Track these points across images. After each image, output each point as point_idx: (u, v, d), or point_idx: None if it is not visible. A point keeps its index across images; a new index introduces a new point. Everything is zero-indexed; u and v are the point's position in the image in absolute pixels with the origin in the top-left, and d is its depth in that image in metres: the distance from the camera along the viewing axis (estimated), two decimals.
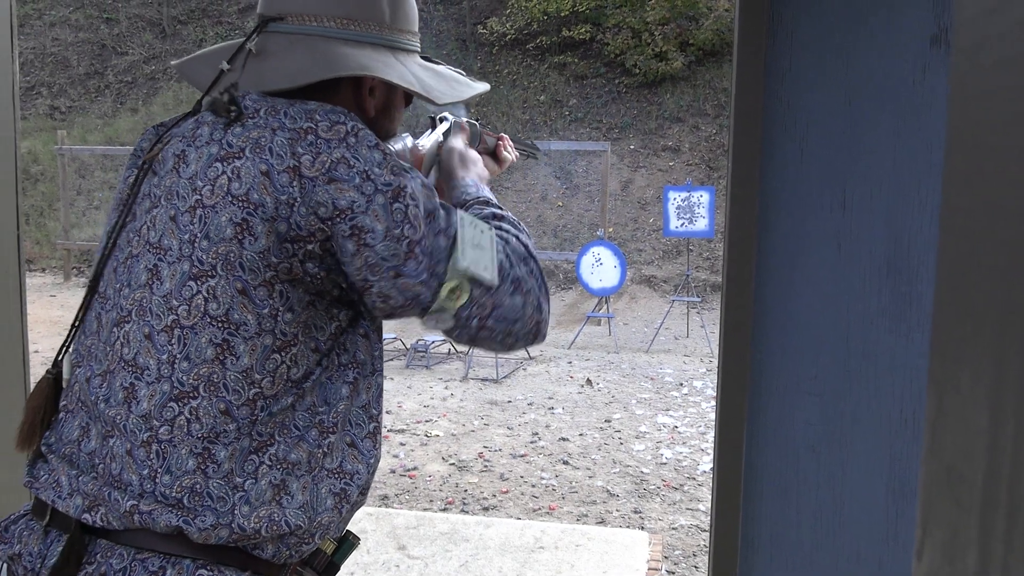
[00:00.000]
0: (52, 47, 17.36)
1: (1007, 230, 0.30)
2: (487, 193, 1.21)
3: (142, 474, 0.97)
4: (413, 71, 1.15)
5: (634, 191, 13.67)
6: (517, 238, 1.11)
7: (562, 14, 15.47)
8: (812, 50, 1.60)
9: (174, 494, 0.96)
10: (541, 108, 15.11)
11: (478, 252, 1.02)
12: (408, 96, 1.23)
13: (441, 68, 1.23)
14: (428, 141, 1.34)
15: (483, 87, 1.28)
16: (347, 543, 1.12)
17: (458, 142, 1.34)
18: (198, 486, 0.96)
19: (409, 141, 1.29)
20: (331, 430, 1.03)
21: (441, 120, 1.39)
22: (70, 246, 12.77)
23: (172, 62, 1.21)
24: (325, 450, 1.02)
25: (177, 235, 0.99)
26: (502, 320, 1.03)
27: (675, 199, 9.29)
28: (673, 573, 3.75)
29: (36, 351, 7.35)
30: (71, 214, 13.10)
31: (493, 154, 1.49)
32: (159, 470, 0.97)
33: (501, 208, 1.18)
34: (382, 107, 1.17)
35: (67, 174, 12.90)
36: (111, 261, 1.07)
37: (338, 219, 0.96)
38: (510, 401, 6.63)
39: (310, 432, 1.01)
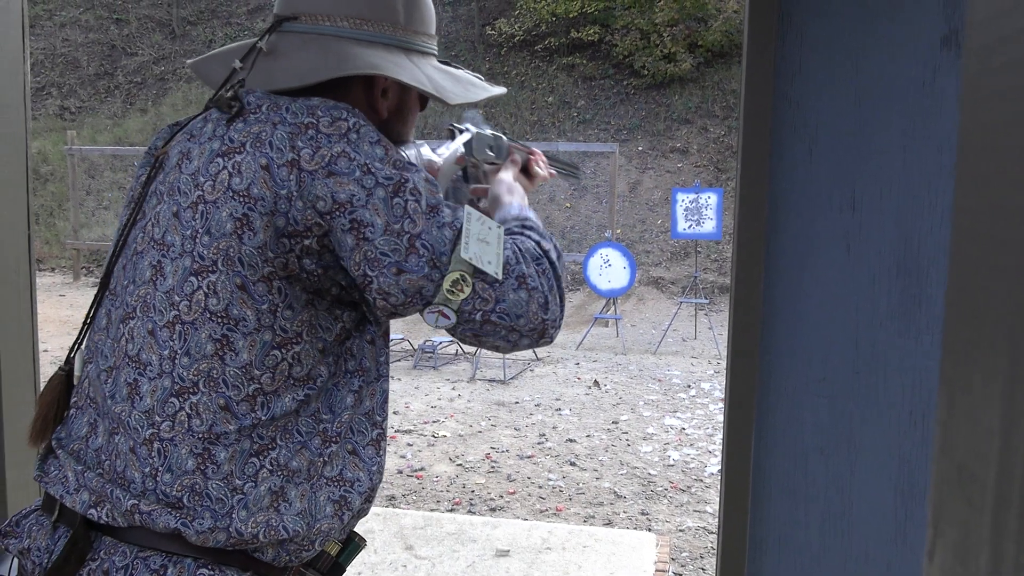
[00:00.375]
0: (62, 48, 17.43)
1: (1019, 230, 0.30)
2: (528, 213, 1.19)
3: (144, 471, 0.98)
4: (426, 72, 1.14)
5: (642, 193, 13.66)
6: (537, 243, 1.08)
7: (570, 15, 15.48)
8: (822, 51, 1.59)
9: (175, 492, 0.97)
10: (549, 109, 15.11)
11: (483, 246, 1.00)
12: (423, 100, 1.22)
13: (458, 71, 1.22)
14: (447, 152, 1.32)
15: (499, 90, 1.27)
16: (352, 545, 1.11)
17: (508, 175, 1.33)
18: (197, 486, 0.97)
19: (426, 149, 1.28)
20: (334, 439, 1.03)
21: (461, 131, 1.36)
22: (79, 246, 12.83)
23: (187, 61, 1.21)
24: (326, 459, 1.02)
25: (179, 231, 1.00)
26: (505, 315, 1.01)
27: (683, 201, 9.28)
28: (680, 575, 3.75)
29: (45, 350, 7.39)
30: (80, 214, 13.15)
31: (524, 170, 1.46)
32: (160, 468, 0.97)
33: (538, 223, 1.16)
34: (395, 109, 1.17)
35: (76, 174, 12.96)
36: (121, 258, 1.08)
37: (337, 213, 0.96)
38: (517, 402, 6.63)
39: (313, 440, 1.01)
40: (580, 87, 15.40)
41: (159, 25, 17.83)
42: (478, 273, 0.99)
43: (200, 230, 0.98)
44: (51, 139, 14.76)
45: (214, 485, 0.97)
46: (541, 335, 1.05)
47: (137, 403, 0.99)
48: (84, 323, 1.12)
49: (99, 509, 0.98)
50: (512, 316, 1.01)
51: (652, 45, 14.94)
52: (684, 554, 3.96)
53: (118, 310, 1.05)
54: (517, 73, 15.76)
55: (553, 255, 1.09)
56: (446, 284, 0.98)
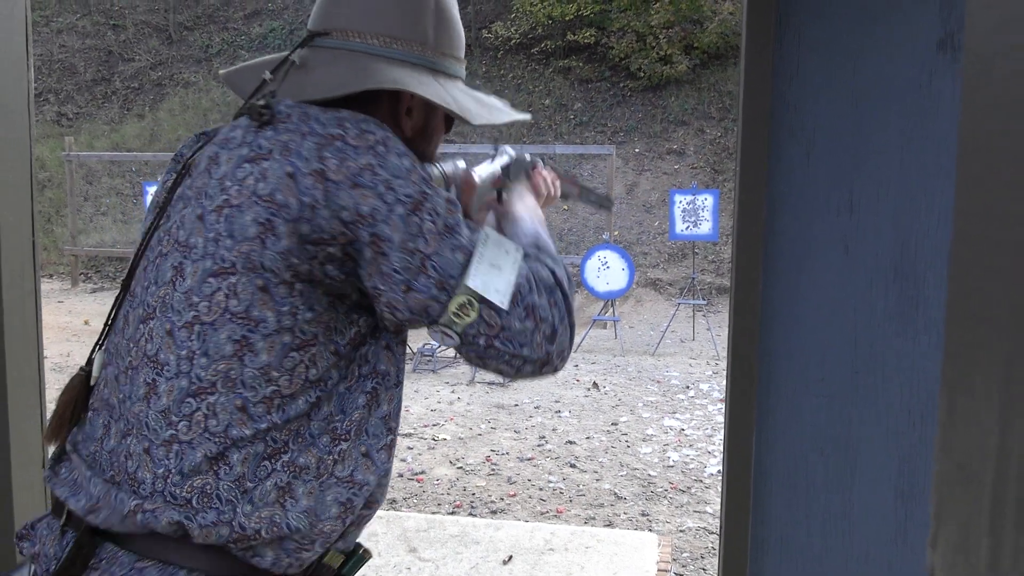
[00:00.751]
0: (59, 54, 17.44)
1: (1018, 233, 0.31)
2: (541, 234, 1.20)
3: (156, 472, 0.98)
4: (451, 92, 1.15)
5: (639, 194, 13.68)
6: (551, 270, 1.09)
7: (567, 18, 15.50)
8: (820, 53, 1.61)
9: (183, 494, 0.97)
10: (546, 112, 15.14)
11: (493, 272, 1.01)
12: (449, 122, 1.23)
13: (484, 96, 1.24)
14: (484, 171, 1.33)
15: (523, 116, 1.29)
16: (356, 557, 1.11)
17: (524, 189, 1.36)
18: (208, 486, 0.97)
19: (461, 163, 1.29)
20: (343, 437, 1.03)
21: (501, 153, 1.39)
22: (78, 252, 12.82)
23: (220, 71, 1.23)
24: (336, 457, 1.02)
25: (203, 233, 1.01)
26: (509, 342, 1.02)
27: (680, 202, 9.30)
28: (681, 575, 3.76)
29: (45, 357, 7.39)
30: (78, 220, 13.15)
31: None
32: (173, 470, 0.98)
33: (548, 243, 1.18)
34: (420, 128, 1.18)
35: (74, 180, 12.96)
36: (143, 261, 1.09)
37: (360, 224, 0.97)
38: (517, 405, 6.64)
39: (321, 438, 1.02)
40: (577, 90, 15.43)
41: (156, 31, 17.84)
42: (484, 300, 1.00)
43: (223, 233, 0.99)
44: (48, 145, 14.76)
45: (225, 487, 0.97)
46: (544, 364, 1.05)
47: (154, 403, 1.00)
48: (105, 325, 1.13)
49: (96, 515, 0.99)
50: (516, 344, 1.02)
51: (648, 47, 14.97)
52: (685, 554, 3.98)
53: (137, 310, 1.06)
54: (514, 76, 15.78)
55: (566, 284, 1.10)
56: (452, 307, 0.99)
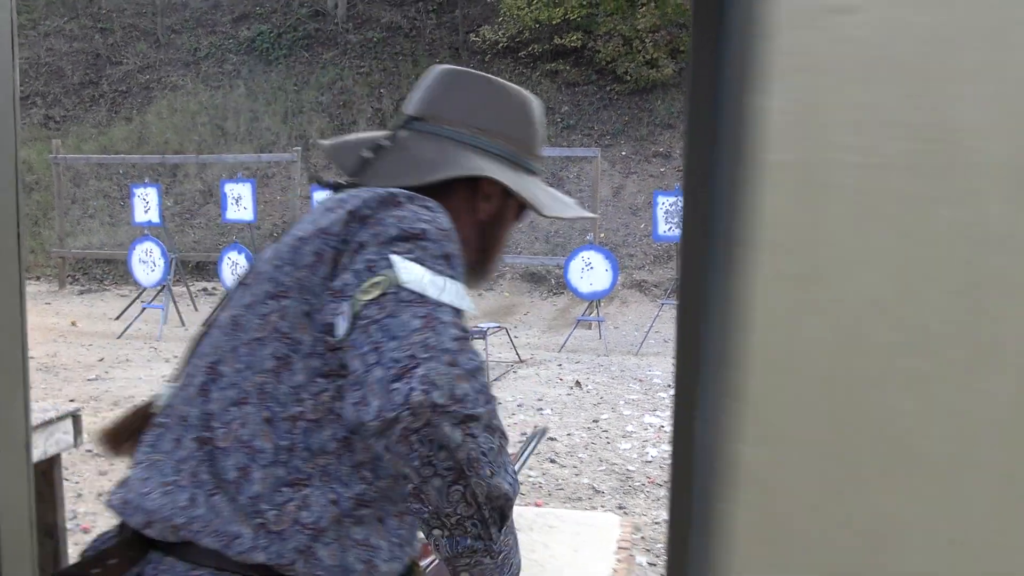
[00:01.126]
0: (47, 57, 17.48)
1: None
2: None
3: (195, 471, 1.03)
4: (527, 185, 1.26)
5: (625, 197, 13.81)
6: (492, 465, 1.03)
7: (553, 22, 15.62)
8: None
9: (205, 494, 1.01)
10: None
11: (429, 280, 0.97)
12: (519, 212, 1.31)
13: (557, 193, 1.34)
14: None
15: (591, 215, 1.43)
16: (408, 573, 1.14)
17: None
18: (229, 492, 1.01)
19: None
20: (368, 504, 1.05)
21: None
22: (65, 254, 12.87)
23: (322, 142, 1.33)
24: (354, 519, 1.04)
25: (273, 262, 1.09)
26: (383, 330, 0.92)
27: (663, 204, 9.42)
28: (655, 565, 3.86)
29: (32, 357, 7.44)
30: (66, 222, 13.20)
31: None
32: (204, 469, 1.02)
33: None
34: (494, 214, 1.27)
35: (62, 183, 13.00)
36: (237, 291, 1.15)
37: (355, 247, 1.03)
38: (500, 402, 6.70)
39: (347, 500, 1.03)
40: (563, 93, 15.55)
41: (144, 34, 17.89)
42: (397, 281, 0.95)
43: (287, 261, 1.06)
44: (36, 148, 14.80)
45: (244, 501, 1.00)
46: (397, 378, 0.88)
47: (203, 405, 1.05)
48: (189, 351, 1.17)
49: (151, 529, 1.03)
50: (386, 335, 0.92)
51: (634, 51, 15.10)
52: (659, 545, 4.08)
53: (215, 333, 1.12)
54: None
55: (484, 475, 1.01)
56: (365, 284, 0.97)
